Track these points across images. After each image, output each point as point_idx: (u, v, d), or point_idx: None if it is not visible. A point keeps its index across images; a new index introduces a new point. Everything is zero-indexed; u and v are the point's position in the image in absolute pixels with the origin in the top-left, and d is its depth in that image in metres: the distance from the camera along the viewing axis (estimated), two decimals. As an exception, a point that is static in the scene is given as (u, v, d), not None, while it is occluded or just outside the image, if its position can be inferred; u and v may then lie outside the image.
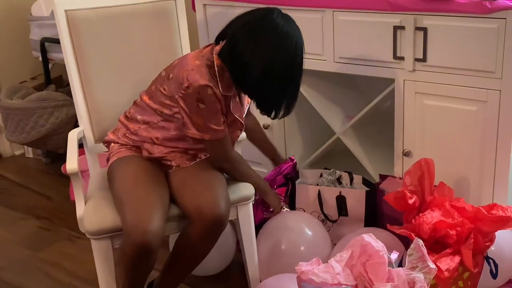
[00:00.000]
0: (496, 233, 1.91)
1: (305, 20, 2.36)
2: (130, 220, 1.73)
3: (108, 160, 2.04)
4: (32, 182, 3.32)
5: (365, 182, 2.39)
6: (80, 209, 1.93)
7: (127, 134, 2.01)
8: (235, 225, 2.13)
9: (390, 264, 1.58)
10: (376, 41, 2.21)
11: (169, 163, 1.97)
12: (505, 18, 1.90)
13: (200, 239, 1.82)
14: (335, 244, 2.21)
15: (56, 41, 3.10)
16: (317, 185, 2.40)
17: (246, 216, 2.01)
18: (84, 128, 2.19)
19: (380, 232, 2.03)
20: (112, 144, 2.05)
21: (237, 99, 1.98)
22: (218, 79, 1.85)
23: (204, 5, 2.65)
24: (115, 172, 1.95)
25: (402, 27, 2.13)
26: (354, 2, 2.21)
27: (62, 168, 3.05)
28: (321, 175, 2.47)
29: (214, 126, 1.87)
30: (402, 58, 2.17)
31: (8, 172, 3.49)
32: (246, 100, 2.06)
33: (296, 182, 2.43)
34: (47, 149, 3.34)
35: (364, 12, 2.21)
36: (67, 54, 2.18)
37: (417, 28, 2.09)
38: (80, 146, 2.17)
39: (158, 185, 1.90)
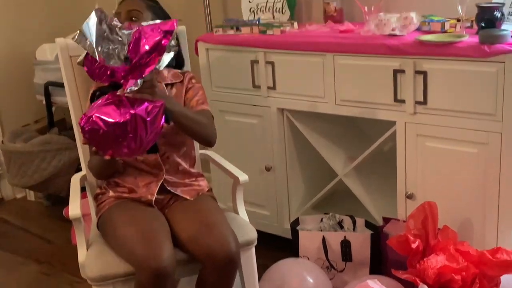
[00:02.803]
0: (501, 277, 1.89)
1: (306, 64, 2.40)
2: (140, 254, 1.72)
3: (97, 212, 2.03)
4: (33, 226, 3.31)
5: (368, 225, 2.38)
6: (82, 255, 1.92)
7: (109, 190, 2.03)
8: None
9: (395, 310, 1.56)
10: (376, 84, 2.24)
11: (149, 197, 1.97)
12: (504, 62, 1.93)
13: (216, 282, 1.80)
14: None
15: (60, 85, 3.14)
16: (321, 230, 2.38)
17: (249, 261, 1.99)
18: (86, 172, 2.19)
19: (384, 280, 2.00)
20: (100, 196, 2.05)
21: None
22: None
23: (207, 49, 2.69)
24: (111, 218, 1.93)
25: (402, 71, 2.15)
26: (354, 47, 2.24)
27: (63, 211, 3.04)
28: (321, 220, 2.46)
29: None
30: (402, 101, 2.18)
31: (9, 215, 3.48)
32: None
33: (297, 228, 2.41)
34: (49, 192, 3.34)
35: (364, 56, 2.24)
36: (72, 98, 2.20)
37: (417, 72, 2.12)
38: (82, 189, 2.17)
39: (155, 216, 1.91)
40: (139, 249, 1.74)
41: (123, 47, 1.67)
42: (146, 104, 1.67)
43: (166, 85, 2.06)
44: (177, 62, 2.16)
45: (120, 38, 1.69)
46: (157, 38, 1.65)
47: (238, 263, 1.82)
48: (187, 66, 2.40)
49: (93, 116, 1.63)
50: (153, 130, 1.69)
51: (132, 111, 1.64)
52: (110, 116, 1.63)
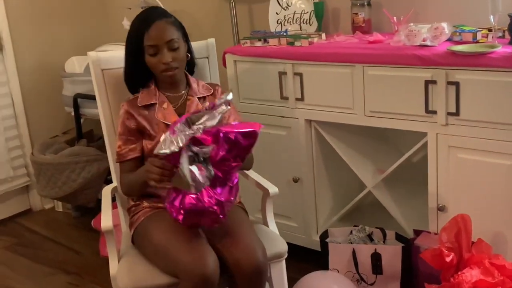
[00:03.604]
0: (538, 291, 1.85)
1: (335, 75, 2.39)
2: (186, 262, 1.74)
3: (131, 224, 2.04)
4: (62, 237, 3.33)
5: (399, 237, 2.35)
6: (114, 267, 1.92)
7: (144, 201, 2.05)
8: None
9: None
10: (407, 95, 2.21)
11: None
12: (539, 72, 1.90)
13: None
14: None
15: (89, 97, 3.18)
16: (350, 243, 2.36)
17: (280, 274, 1.98)
18: (117, 184, 2.21)
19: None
20: (134, 208, 2.07)
21: (165, 106, 2.03)
22: (140, 92, 2.05)
23: (235, 61, 2.69)
24: (147, 228, 1.95)
25: (434, 82, 2.13)
26: (385, 57, 2.23)
27: (92, 222, 3.06)
28: (351, 232, 2.43)
29: (117, 147, 2.03)
30: (434, 112, 2.16)
31: (37, 226, 3.51)
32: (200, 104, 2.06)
33: (327, 241, 2.39)
34: (78, 203, 3.36)
35: (394, 67, 2.22)
36: (103, 111, 2.21)
37: (449, 83, 2.09)
38: (112, 199, 2.19)
39: (195, 229, 1.91)
40: (185, 256, 1.75)
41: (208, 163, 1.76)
42: (228, 188, 1.79)
43: (199, 98, 2.08)
44: (190, 69, 2.17)
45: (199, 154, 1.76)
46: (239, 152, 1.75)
47: (265, 273, 1.83)
48: (216, 79, 2.42)
49: (186, 205, 1.74)
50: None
51: (218, 199, 1.76)
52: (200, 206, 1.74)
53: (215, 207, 1.74)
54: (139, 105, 2.03)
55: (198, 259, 1.74)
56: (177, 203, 1.75)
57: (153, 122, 2.01)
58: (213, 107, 1.78)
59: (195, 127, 1.74)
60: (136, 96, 2.07)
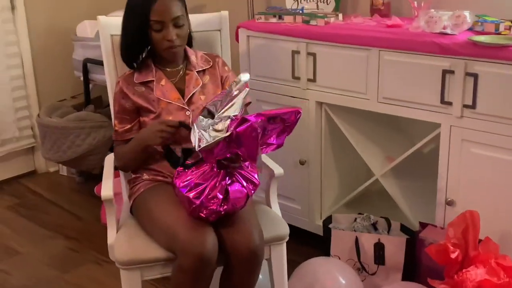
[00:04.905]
0: (542, 295, 1.81)
1: (350, 57, 2.33)
2: (185, 239, 1.71)
3: (131, 195, 2.01)
4: (64, 201, 3.32)
5: (404, 229, 2.31)
6: (112, 236, 1.90)
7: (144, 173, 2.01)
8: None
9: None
10: (423, 83, 2.15)
11: None
12: (561, 69, 1.83)
13: (240, 275, 1.80)
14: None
15: (98, 63, 3.13)
16: (354, 230, 2.32)
17: (279, 256, 1.95)
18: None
19: (417, 288, 1.95)
20: (134, 179, 2.04)
21: (163, 82, 1.98)
22: (136, 69, 2.00)
23: (248, 36, 2.63)
24: (146, 201, 1.92)
25: (452, 72, 2.06)
26: (402, 43, 2.16)
27: (95, 189, 3.04)
28: (355, 220, 2.40)
29: (114, 125, 2.03)
30: (449, 103, 2.10)
31: (41, 188, 3.50)
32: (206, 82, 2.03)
33: (330, 226, 2.36)
34: (81, 169, 3.34)
35: (412, 54, 2.15)
36: (110, 77, 2.17)
37: (468, 74, 2.03)
38: (116, 168, 2.15)
39: None
40: (184, 233, 1.72)
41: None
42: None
43: (198, 72, 2.04)
44: (187, 42, 2.08)
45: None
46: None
47: (261, 257, 1.81)
48: (227, 53, 2.36)
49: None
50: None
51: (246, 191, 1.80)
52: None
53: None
54: (136, 81, 1.98)
55: (197, 237, 1.71)
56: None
57: (151, 99, 1.97)
58: (228, 94, 1.74)
59: (217, 117, 1.71)
60: (132, 72, 2.02)
